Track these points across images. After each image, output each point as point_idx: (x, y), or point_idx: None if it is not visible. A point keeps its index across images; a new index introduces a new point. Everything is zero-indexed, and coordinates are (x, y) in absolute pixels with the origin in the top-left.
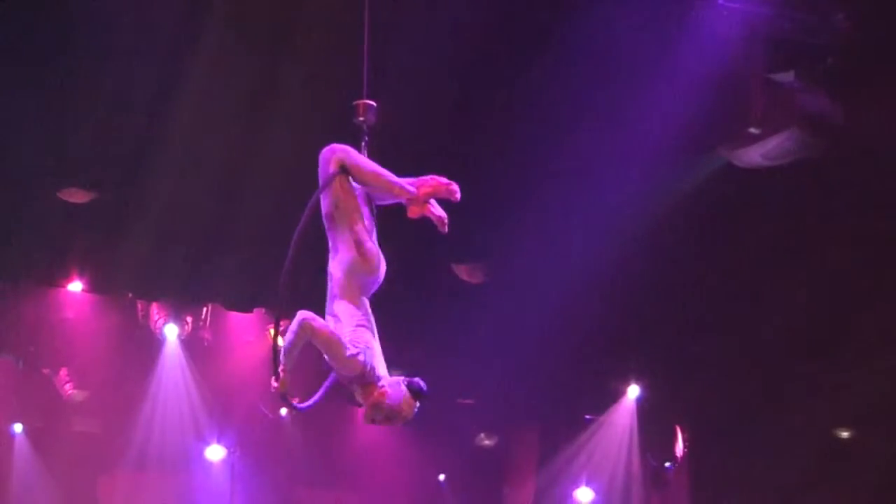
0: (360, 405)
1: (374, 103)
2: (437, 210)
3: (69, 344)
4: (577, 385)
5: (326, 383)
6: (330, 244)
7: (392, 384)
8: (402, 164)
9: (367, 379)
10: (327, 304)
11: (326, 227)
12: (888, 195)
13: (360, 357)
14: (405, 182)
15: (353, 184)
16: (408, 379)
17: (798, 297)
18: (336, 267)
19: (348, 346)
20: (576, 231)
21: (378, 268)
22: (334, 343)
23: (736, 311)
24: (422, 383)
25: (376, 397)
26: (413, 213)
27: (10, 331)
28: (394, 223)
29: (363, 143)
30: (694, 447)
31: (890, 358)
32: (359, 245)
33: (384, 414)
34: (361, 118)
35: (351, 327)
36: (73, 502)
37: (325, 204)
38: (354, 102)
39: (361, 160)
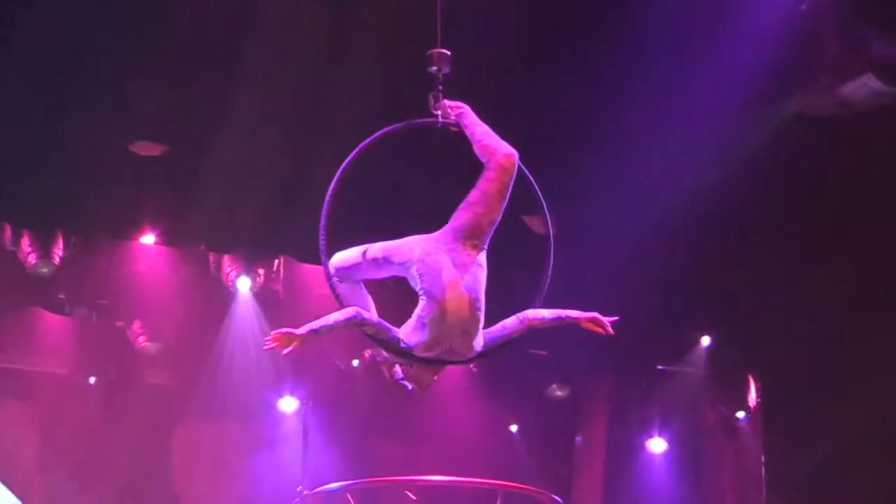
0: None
1: (448, 52)
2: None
3: (142, 297)
4: (649, 335)
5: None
6: (477, 242)
7: None
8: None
9: None
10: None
11: (487, 231)
12: None
13: None
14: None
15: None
16: None
17: (870, 247)
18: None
19: None
20: (648, 182)
21: None
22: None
23: (810, 260)
24: None
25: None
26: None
27: (83, 284)
28: (462, 176)
29: (437, 92)
30: (767, 397)
31: None
32: None
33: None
34: (435, 67)
35: None
36: (147, 454)
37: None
38: (428, 52)
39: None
